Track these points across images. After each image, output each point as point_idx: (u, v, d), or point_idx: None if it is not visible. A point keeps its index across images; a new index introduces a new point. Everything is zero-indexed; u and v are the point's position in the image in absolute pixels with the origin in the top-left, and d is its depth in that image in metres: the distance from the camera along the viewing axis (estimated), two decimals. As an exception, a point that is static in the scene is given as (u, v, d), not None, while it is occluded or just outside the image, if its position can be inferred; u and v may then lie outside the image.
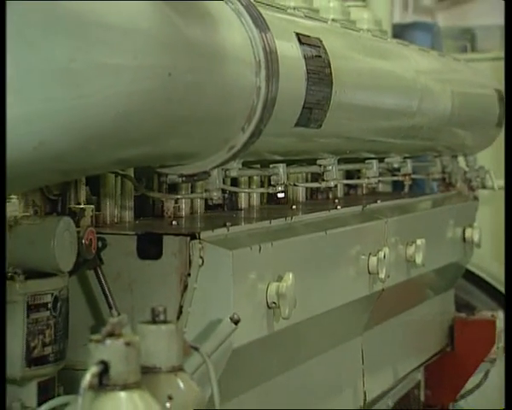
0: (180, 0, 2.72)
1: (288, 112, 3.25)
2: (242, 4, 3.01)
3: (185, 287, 3.07)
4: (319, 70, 3.42)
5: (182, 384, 2.49)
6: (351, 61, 3.88)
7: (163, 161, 3.08)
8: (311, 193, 4.31)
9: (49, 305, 2.87)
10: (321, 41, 3.54)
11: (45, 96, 2.22)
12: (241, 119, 2.98)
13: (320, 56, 3.46)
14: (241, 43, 2.95)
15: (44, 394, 2.88)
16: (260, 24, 3.02)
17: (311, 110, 3.39)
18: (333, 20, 4.43)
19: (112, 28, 2.34)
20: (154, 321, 2.54)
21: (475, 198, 6.12)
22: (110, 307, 3.02)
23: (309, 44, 3.43)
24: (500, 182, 6.22)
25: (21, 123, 2.22)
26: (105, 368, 2.29)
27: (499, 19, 12.91)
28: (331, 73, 3.50)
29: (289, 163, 3.86)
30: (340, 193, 4.56)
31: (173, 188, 3.57)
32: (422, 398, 5.61)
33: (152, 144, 2.70)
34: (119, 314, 2.53)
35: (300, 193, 4.15)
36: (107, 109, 2.33)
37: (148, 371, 2.39)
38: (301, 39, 3.39)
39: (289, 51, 3.25)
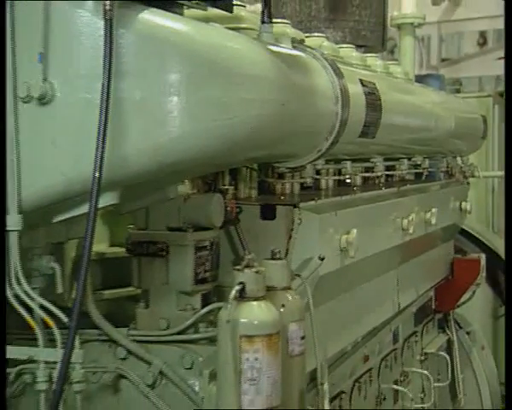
0: (288, 57, 2.70)
1: (354, 128, 3.19)
2: (327, 61, 2.97)
3: (290, 237, 3.03)
4: (373, 102, 3.36)
5: (290, 297, 2.46)
6: (392, 96, 3.79)
7: (277, 158, 3.06)
8: (365, 179, 4.24)
9: (208, 247, 2.86)
10: (374, 84, 3.47)
11: (208, 119, 2.21)
12: (325, 133, 2.94)
13: (374, 93, 3.40)
14: (326, 85, 2.91)
15: (205, 301, 2.88)
16: (338, 73, 2.97)
17: (369, 127, 3.32)
18: (380, 71, 4.38)
19: (248, 76, 2.32)
20: (272, 258, 2.52)
21: (468, 183, 6.00)
22: (244, 249, 3.00)
23: (367, 86, 3.36)
24: (483, 173, 6.44)
25: (191, 136, 2.21)
26: (243, 287, 2.27)
27: (478, 73, 12.99)
28: (381, 103, 3.43)
29: (353, 160, 3.81)
30: (382, 179, 4.47)
31: (281, 175, 3.53)
32: (433, 307, 5.53)
33: (271, 149, 2.67)
34: (250, 254, 2.48)
35: (359, 179, 4.08)
36: (244, 127, 2.30)
37: (269, 289, 2.38)
38: (362, 82, 3.33)
39: (355, 90, 3.19)
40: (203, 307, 2.82)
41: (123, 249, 2.98)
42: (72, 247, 2.93)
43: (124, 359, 2.71)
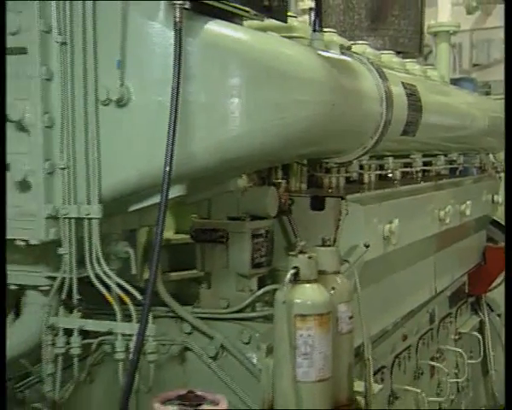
0: (337, 62, 2.68)
1: (397, 127, 3.14)
2: (372, 65, 2.94)
3: (337, 226, 3.01)
4: (414, 103, 3.31)
5: (339, 281, 2.45)
6: (431, 97, 3.73)
7: (326, 155, 3.04)
8: (404, 174, 4.19)
9: (263, 234, 2.86)
10: (415, 86, 3.42)
11: (265, 118, 2.21)
12: (371, 131, 2.91)
13: (415, 95, 3.35)
14: (372, 87, 2.88)
15: (261, 283, 2.88)
16: (383, 76, 2.94)
17: (410, 126, 3.28)
18: (419, 75, 4.31)
19: (301, 79, 2.30)
20: (323, 245, 2.51)
21: (499, 178, 5.86)
22: (296, 237, 3.00)
23: (408, 88, 3.31)
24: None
25: (250, 134, 2.21)
26: (297, 271, 2.27)
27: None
28: (421, 104, 3.38)
29: (394, 156, 3.76)
30: (420, 174, 4.40)
31: (328, 170, 3.51)
32: (467, 291, 5.44)
33: (321, 146, 2.65)
34: (301, 241, 2.47)
35: (398, 174, 4.02)
36: (298, 126, 2.29)
37: (320, 273, 2.36)
38: (404, 85, 3.28)
39: (398, 92, 3.14)
40: (259, 288, 2.82)
41: (187, 236, 3.00)
42: (142, 234, 2.96)
43: (189, 333, 2.74)
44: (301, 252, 2.30)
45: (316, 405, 2.21)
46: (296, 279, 2.24)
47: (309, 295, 2.23)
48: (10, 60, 2.18)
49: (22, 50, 2.16)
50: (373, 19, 5.37)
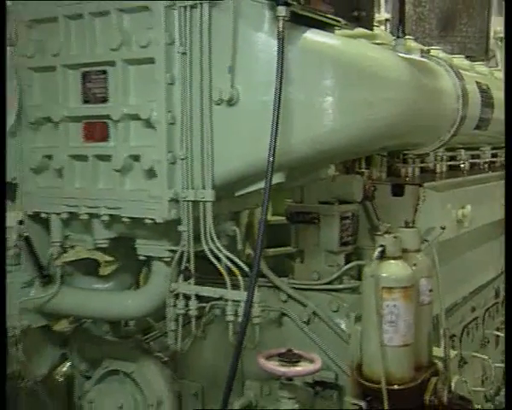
0: (418, 64, 2.57)
1: (471, 122, 3.01)
2: (450, 67, 2.81)
3: (415, 211, 2.92)
4: (487, 100, 3.15)
5: (420, 258, 2.36)
6: (500, 95, 3.52)
7: (407, 147, 2.94)
8: (472, 165, 4.00)
9: (350, 217, 2.82)
10: (487, 85, 3.25)
11: (356, 115, 2.16)
12: (448, 126, 2.79)
13: (487, 93, 3.18)
14: (449, 86, 2.75)
15: (347, 259, 2.83)
16: (459, 76, 2.81)
17: (483, 121, 3.13)
18: (486, 74, 4.11)
19: (388, 79, 2.24)
20: (405, 226, 2.42)
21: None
22: (378, 220, 2.92)
23: (481, 86, 3.15)
24: None
25: (342, 129, 2.16)
26: (384, 249, 2.20)
27: None
28: (492, 101, 3.22)
29: (465, 149, 3.61)
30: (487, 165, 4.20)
31: (405, 161, 3.40)
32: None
33: (403, 139, 2.56)
34: (383, 223, 2.40)
35: (468, 164, 3.85)
36: (384, 121, 2.21)
37: (404, 251, 2.28)
38: (478, 84, 3.13)
39: (472, 90, 3.00)
40: (346, 264, 2.78)
41: (282, 218, 2.98)
42: (244, 215, 2.97)
43: (285, 301, 2.73)
44: (387, 232, 2.23)
45: (400, 367, 2.15)
46: (383, 256, 2.18)
47: (394, 270, 2.17)
48: (141, 68, 2.23)
49: (151, 60, 2.19)
50: (443, 27, 5.23)
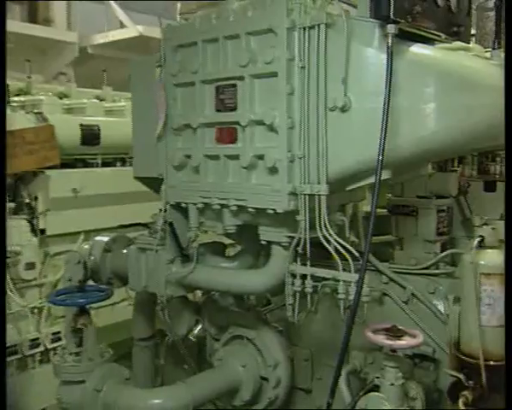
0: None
1: None
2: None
3: (507, 205, 2.74)
4: None
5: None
6: None
7: (499, 147, 2.74)
8: None
9: (445, 210, 2.69)
10: None
11: (456, 119, 2.10)
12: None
13: None
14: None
15: (442, 247, 2.72)
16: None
17: None
18: None
19: (486, 86, 2.14)
20: (501, 219, 2.30)
21: None
22: (471, 213, 2.79)
23: None
24: None
25: (444, 132, 2.09)
26: (482, 239, 2.11)
27: None
28: None
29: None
30: None
31: (493, 159, 3.20)
32: None
33: (496, 140, 2.38)
34: (475, 217, 2.27)
35: None
36: (482, 125, 2.13)
37: (500, 241, 2.15)
38: None
39: None
40: (441, 252, 2.68)
41: (383, 210, 2.92)
42: (349, 207, 2.94)
43: (386, 283, 2.67)
44: (485, 224, 2.13)
45: (496, 346, 2.05)
46: (481, 245, 2.09)
47: (492, 258, 2.07)
48: (266, 81, 2.26)
49: (274, 74, 2.22)
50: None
